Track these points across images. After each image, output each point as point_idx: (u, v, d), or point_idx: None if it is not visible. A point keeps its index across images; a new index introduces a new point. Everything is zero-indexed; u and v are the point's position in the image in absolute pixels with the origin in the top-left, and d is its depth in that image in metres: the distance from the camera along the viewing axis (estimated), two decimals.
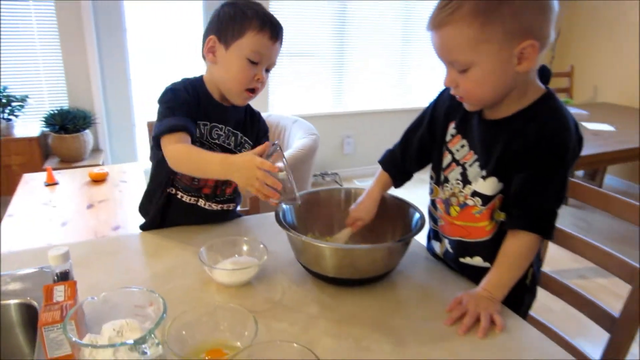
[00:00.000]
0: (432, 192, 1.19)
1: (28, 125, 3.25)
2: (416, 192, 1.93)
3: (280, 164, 0.98)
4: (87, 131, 3.27)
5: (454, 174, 1.09)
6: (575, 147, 0.99)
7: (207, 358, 0.81)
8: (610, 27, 4.12)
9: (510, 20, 0.87)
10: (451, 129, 1.12)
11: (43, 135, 3.24)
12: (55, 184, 2.53)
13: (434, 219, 1.20)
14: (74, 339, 0.66)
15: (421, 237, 1.18)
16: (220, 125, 1.26)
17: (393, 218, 1.19)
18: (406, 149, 1.22)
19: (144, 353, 0.66)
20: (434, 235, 1.23)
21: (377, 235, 1.18)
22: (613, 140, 2.77)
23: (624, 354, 1.12)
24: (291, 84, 4.02)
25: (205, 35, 1.21)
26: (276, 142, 1.04)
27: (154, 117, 1.55)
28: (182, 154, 1.11)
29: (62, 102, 3.36)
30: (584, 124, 3.04)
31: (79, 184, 2.56)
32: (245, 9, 1.16)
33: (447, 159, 1.12)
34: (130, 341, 0.66)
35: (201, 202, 1.30)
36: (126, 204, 2.32)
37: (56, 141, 3.17)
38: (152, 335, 0.68)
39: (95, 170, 2.63)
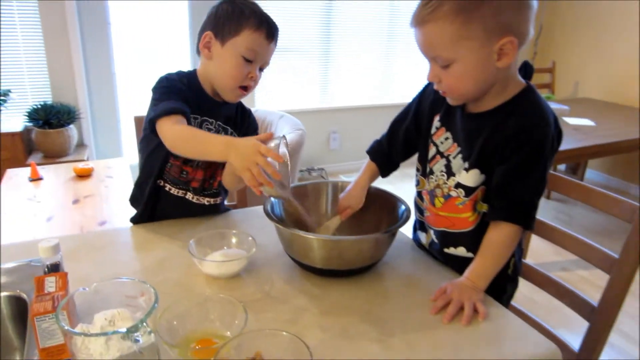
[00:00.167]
0: (418, 183, 1.21)
1: (11, 120, 3.21)
2: (402, 186, 1.96)
3: (284, 155, 0.99)
4: (72, 126, 3.24)
5: (439, 166, 1.12)
6: (554, 140, 1.02)
7: (197, 347, 0.82)
8: (591, 24, 4.19)
9: (490, 18, 0.90)
10: (436, 121, 1.14)
11: (26, 130, 3.20)
12: (40, 179, 2.51)
13: (420, 210, 1.23)
14: (66, 328, 0.67)
15: (406, 230, 1.21)
16: (210, 120, 1.27)
17: (379, 210, 1.21)
18: (393, 140, 1.24)
19: (137, 341, 0.67)
20: (420, 226, 1.25)
21: (363, 227, 1.20)
22: (593, 134, 2.81)
23: (603, 341, 1.16)
24: (278, 80, 4.02)
25: (202, 31, 1.22)
26: (283, 134, 1.04)
27: (140, 112, 1.55)
28: (185, 134, 1.10)
29: (45, 96, 3.33)
30: (565, 119, 3.09)
31: (64, 179, 2.54)
32: (243, 7, 1.18)
33: (432, 151, 1.14)
34: (123, 329, 0.67)
35: (189, 196, 1.31)
36: (112, 199, 2.31)
37: (40, 136, 3.14)
38: (145, 324, 0.69)
39: (80, 165, 2.61)
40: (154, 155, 1.26)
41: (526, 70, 1.06)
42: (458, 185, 1.08)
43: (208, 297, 0.93)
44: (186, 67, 1.29)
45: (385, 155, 1.25)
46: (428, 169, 1.15)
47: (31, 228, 2.02)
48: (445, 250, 1.16)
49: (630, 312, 2.43)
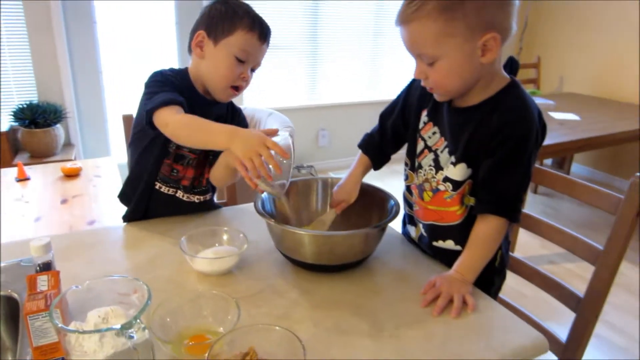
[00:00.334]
0: (407, 178, 1.23)
1: None
2: (391, 182, 1.97)
3: (287, 147, 0.99)
4: (58, 125, 3.21)
5: (427, 160, 1.14)
6: (539, 134, 1.04)
7: (191, 343, 0.83)
8: (576, 19, 4.23)
9: (473, 15, 0.92)
10: (423, 116, 1.16)
11: (12, 130, 3.16)
12: (27, 179, 2.49)
13: (409, 204, 1.24)
14: (60, 325, 0.67)
15: (396, 225, 1.22)
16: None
17: (369, 205, 1.22)
18: (384, 133, 1.26)
19: (131, 337, 0.68)
20: (409, 220, 1.27)
21: (353, 222, 1.21)
22: (579, 129, 2.85)
23: (590, 331, 1.18)
24: (266, 77, 4.02)
25: (194, 30, 1.22)
26: (289, 133, 1.04)
27: (128, 111, 1.55)
28: (188, 121, 1.10)
29: (31, 96, 3.29)
30: (551, 113, 3.13)
31: (52, 179, 2.52)
32: (237, 8, 1.19)
33: (420, 145, 1.16)
34: (117, 326, 0.67)
35: (179, 194, 1.31)
36: (101, 198, 2.29)
37: (26, 136, 3.10)
38: (139, 320, 0.69)
39: (68, 165, 2.58)
40: (147, 152, 1.26)
41: (512, 65, 1.08)
42: (446, 179, 1.09)
43: (200, 294, 0.93)
44: (174, 65, 1.29)
45: (377, 147, 1.27)
46: (417, 164, 1.17)
47: (19, 228, 2.00)
48: (434, 243, 1.18)
49: (615, 303, 2.47)
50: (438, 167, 1.11)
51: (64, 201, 2.26)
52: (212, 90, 1.25)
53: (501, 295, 1.31)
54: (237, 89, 1.24)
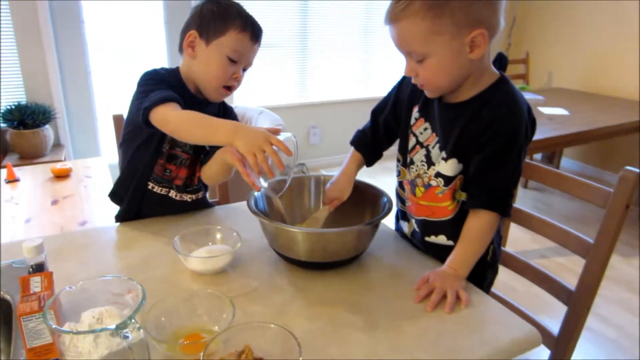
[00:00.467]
0: (399, 174, 1.23)
1: None
2: (383, 179, 1.98)
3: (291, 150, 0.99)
4: (47, 126, 3.19)
5: (419, 156, 1.14)
6: (528, 129, 1.04)
7: (186, 342, 0.83)
8: (563, 15, 4.26)
9: (459, 13, 0.93)
10: (415, 112, 1.16)
11: (0, 131, 3.13)
12: (17, 180, 2.47)
13: (401, 200, 1.25)
14: (54, 326, 0.67)
15: (389, 221, 1.22)
16: None
17: (361, 202, 1.23)
18: (375, 129, 1.26)
19: (126, 337, 0.68)
20: (402, 215, 1.28)
21: (346, 219, 1.21)
22: (568, 124, 2.87)
23: (581, 324, 1.19)
24: (256, 75, 4.01)
25: (186, 30, 1.22)
26: (293, 133, 1.05)
27: (118, 111, 1.54)
28: (191, 117, 1.08)
29: (19, 97, 3.26)
30: (540, 108, 3.15)
31: (42, 180, 2.50)
32: (228, 8, 1.18)
33: (411, 141, 1.16)
34: (112, 326, 0.67)
35: (172, 194, 1.31)
36: (92, 199, 2.28)
37: (15, 137, 3.08)
38: (133, 320, 0.69)
39: (58, 165, 2.57)
40: (139, 152, 1.25)
41: (501, 61, 1.09)
42: (438, 175, 1.10)
43: (195, 293, 0.94)
44: (164, 65, 1.29)
45: (370, 144, 1.27)
46: (408, 160, 1.17)
47: (10, 230, 1.99)
48: (427, 238, 1.19)
49: (606, 296, 2.49)
50: (430, 162, 1.12)
51: (54, 202, 2.24)
52: (205, 90, 1.25)
53: (493, 289, 1.32)
54: (230, 88, 1.24)
